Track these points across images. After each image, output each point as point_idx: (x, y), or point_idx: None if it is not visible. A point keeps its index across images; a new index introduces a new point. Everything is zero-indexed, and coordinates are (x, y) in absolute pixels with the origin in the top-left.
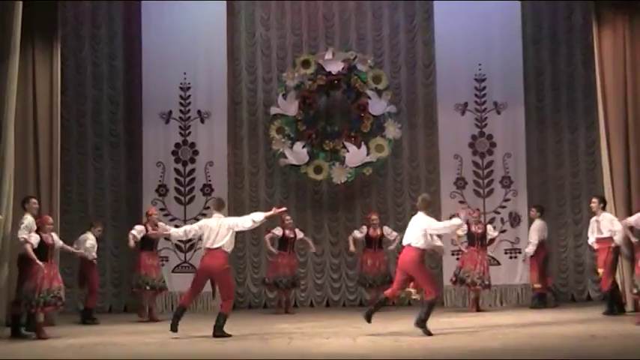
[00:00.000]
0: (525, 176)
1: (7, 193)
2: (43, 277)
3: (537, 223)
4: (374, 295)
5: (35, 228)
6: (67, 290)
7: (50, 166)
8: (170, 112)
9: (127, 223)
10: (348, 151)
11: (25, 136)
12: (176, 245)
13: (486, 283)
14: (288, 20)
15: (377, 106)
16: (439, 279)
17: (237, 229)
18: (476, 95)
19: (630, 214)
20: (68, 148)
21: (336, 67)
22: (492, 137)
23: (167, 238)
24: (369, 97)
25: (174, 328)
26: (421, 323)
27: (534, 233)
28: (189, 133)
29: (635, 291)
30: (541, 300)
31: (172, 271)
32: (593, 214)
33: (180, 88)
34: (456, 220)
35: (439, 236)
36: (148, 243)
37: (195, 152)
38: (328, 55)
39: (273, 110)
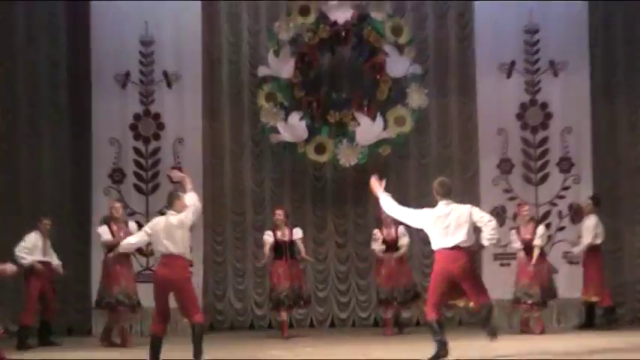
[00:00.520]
0: (590, 158)
1: None
2: None
3: (591, 220)
4: (392, 314)
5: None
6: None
7: None
8: (127, 75)
9: (72, 219)
10: (359, 125)
11: None
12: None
13: (544, 300)
14: None
15: (397, 66)
16: None
17: (188, 223)
18: (526, 52)
19: None
20: None
21: (343, 16)
22: (547, 107)
23: (111, 249)
24: (387, 55)
25: None
26: (490, 328)
27: (586, 232)
28: (153, 101)
29: None
30: (610, 317)
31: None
32: None
33: (141, 42)
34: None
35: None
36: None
37: (161, 126)
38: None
39: (262, 71)
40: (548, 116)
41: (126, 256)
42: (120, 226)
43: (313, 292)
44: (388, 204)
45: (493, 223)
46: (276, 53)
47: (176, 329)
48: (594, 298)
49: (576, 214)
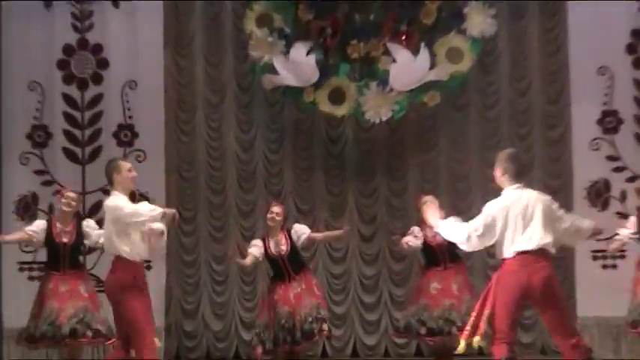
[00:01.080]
0: None
1: None
2: None
3: None
4: (440, 343)
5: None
6: None
7: None
8: None
9: None
10: (394, 62)
11: None
12: None
13: None
14: None
15: None
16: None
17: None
18: None
19: None
20: None
21: None
22: None
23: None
24: None
25: None
26: None
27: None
28: (91, 27)
29: None
30: None
31: None
32: None
33: None
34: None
35: None
36: (53, 256)
37: (103, 63)
38: None
39: None
40: None
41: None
42: (64, 226)
43: (327, 307)
44: (450, 230)
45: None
46: None
47: None
48: None
49: None
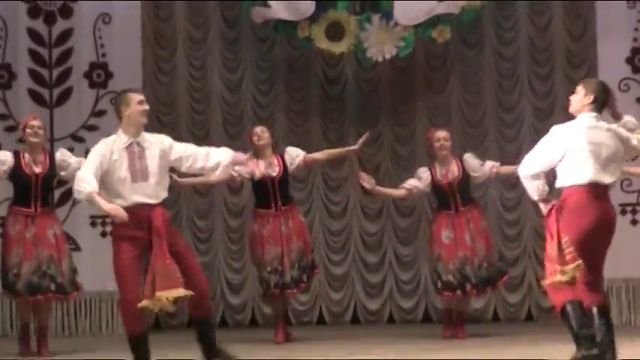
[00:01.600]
0: None
1: None
2: None
3: None
4: (455, 304)
5: None
6: None
7: None
8: None
9: None
10: None
11: None
12: None
13: None
14: None
15: None
16: None
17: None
18: None
19: None
20: None
21: None
22: None
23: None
24: None
25: None
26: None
27: None
28: None
29: None
30: None
31: None
32: None
33: None
34: None
35: None
36: (23, 191)
37: None
38: None
39: None
40: None
41: (44, 207)
42: (35, 156)
43: (324, 267)
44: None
45: None
46: None
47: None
48: None
49: None
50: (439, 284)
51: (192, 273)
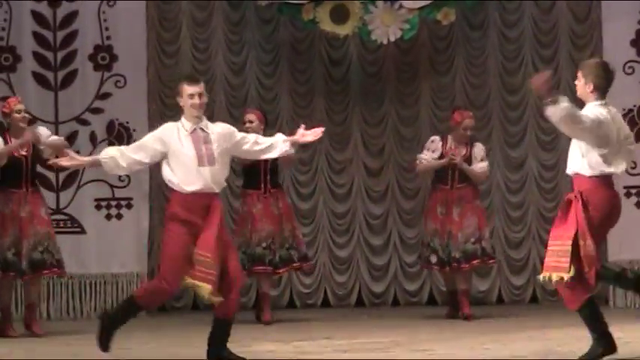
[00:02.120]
0: None
1: None
2: None
3: None
4: (451, 283)
5: None
6: None
7: None
8: None
9: None
10: None
11: None
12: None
13: None
14: None
15: None
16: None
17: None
18: None
19: None
20: None
21: None
22: None
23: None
24: None
25: None
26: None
27: None
28: None
29: None
30: None
31: None
32: None
33: None
34: None
35: None
36: (14, 172)
37: None
38: None
39: None
40: None
41: (28, 189)
42: (18, 133)
43: (328, 249)
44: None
45: None
46: None
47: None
48: None
49: None
50: (434, 259)
51: (229, 271)
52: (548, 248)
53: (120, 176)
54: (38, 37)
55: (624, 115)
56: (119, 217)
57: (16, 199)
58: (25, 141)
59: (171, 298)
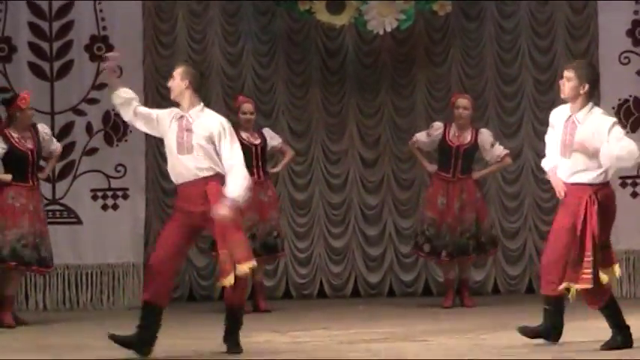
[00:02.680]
0: None
1: None
2: None
3: None
4: (450, 273)
5: None
6: None
7: None
8: None
9: None
10: None
11: None
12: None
13: None
14: None
15: None
16: None
17: None
18: None
19: None
20: None
21: None
22: None
23: None
24: None
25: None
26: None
27: None
28: None
29: None
30: None
31: None
32: None
33: None
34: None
35: None
36: (22, 168)
37: None
38: None
39: None
40: None
41: (27, 182)
42: (23, 133)
43: (324, 240)
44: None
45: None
46: None
47: None
48: None
49: None
50: (427, 248)
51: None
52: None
53: (116, 166)
54: (34, 28)
55: (620, 106)
56: (115, 207)
57: (25, 193)
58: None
59: (151, 272)
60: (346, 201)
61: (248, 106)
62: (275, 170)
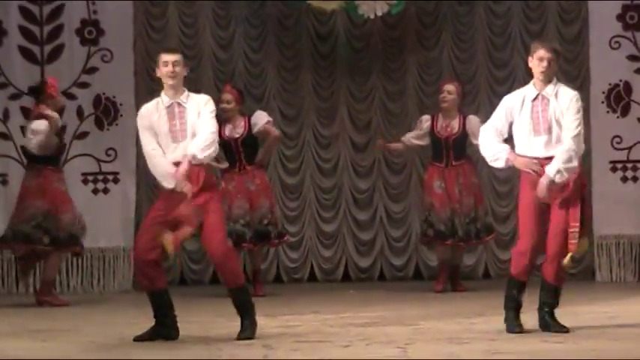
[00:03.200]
0: None
1: None
2: None
3: None
4: (446, 257)
5: None
6: None
7: None
8: None
9: None
10: None
11: None
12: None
13: None
14: None
15: None
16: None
17: None
18: None
19: None
20: None
21: None
22: None
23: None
24: None
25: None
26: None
27: None
28: None
29: None
30: None
31: None
32: None
33: None
34: None
35: None
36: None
37: None
38: None
39: None
40: None
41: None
42: (54, 121)
43: (315, 224)
44: None
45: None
46: None
47: None
48: None
49: None
50: (431, 232)
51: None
52: (570, 231)
53: (106, 150)
54: (24, 11)
55: (610, 90)
56: (106, 191)
57: (58, 176)
58: None
59: (137, 259)
60: (337, 185)
61: (226, 96)
62: (259, 158)
